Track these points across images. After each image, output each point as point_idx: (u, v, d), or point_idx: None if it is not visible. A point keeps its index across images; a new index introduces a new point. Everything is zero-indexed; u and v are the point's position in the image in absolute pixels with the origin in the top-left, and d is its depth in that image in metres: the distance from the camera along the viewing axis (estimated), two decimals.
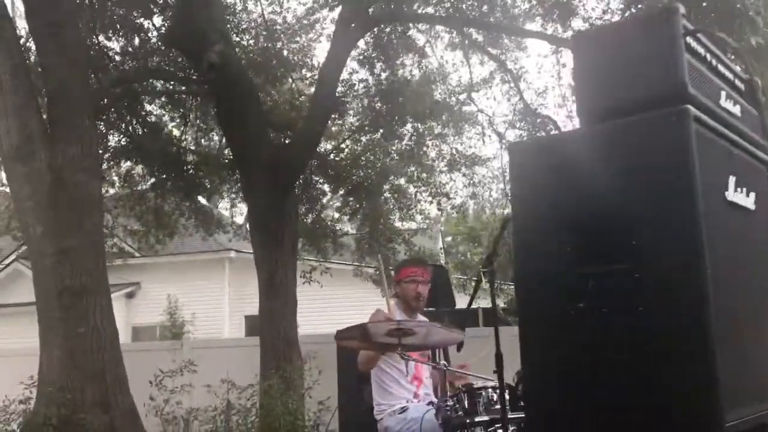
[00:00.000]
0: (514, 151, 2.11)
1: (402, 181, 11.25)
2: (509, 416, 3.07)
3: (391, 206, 11.15)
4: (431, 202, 11.08)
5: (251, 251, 14.44)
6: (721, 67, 2.03)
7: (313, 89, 11.31)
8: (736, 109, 2.06)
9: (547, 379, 1.92)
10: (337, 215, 11.66)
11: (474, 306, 10.98)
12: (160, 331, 14.40)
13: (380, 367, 4.13)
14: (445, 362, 3.36)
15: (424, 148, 10.92)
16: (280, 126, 9.97)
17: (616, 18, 9.69)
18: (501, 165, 10.77)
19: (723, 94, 2.01)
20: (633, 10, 9.26)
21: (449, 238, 18.82)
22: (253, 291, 14.56)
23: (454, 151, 10.91)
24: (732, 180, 1.91)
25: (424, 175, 11.01)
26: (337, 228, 11.44)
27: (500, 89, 10.49)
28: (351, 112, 10.88)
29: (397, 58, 10.29)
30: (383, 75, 10.41)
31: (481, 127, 10.75)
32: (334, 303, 13.95)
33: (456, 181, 11.15)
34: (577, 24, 10.03)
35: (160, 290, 14.76)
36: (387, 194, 11.10)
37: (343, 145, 11.34)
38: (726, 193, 1.89)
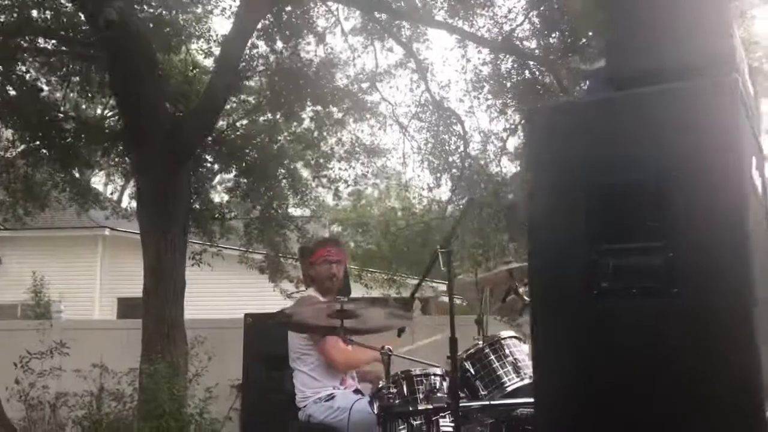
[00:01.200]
0: (534, 117, 1.95)
1: (298, 165, 10.92)
2: (459, 405, 2.93)
3: (285, 191, 10.79)
4: (329, 189, 10.85)
5: (128, 230, 13.62)
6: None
7: (208, 61, 10.77)
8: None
9: (564, 364, 1.77)
10: (226, 197, 11.16)
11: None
12: (22, 310, 13.23)
13: (306, 352, 3.89)
14: (390, 347, 3.15)
15: (324, 133, 10.66)
16: (174, 97, 9.36)
17: (521, 18, 9.99)
18: (402, 155, 10.70)
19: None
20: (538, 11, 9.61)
21: (337, 226, 18.65)
22: (129, 272, 13.71)
23: (353, 139, 10.72)
24: (753, 160, 1.84)
25: (322, 160, 10.75)
26: (226, 211, 10.95)
27: (405, 79, 10.44)
28: (250, 89, 10.41)
29: (301, 37, 9.97)
30: (285, 54, 10.07)
31: (383, 116, 10.63)
32: (220, 288, 13.42)
33: (355, 169, 10.97)
34: (482, 21, 10.21)
35: (23, 266, 13.55)
36: (281, 178, 10.73)
37: (237, 124, 10.86)
38: (751, 172, 1.81)
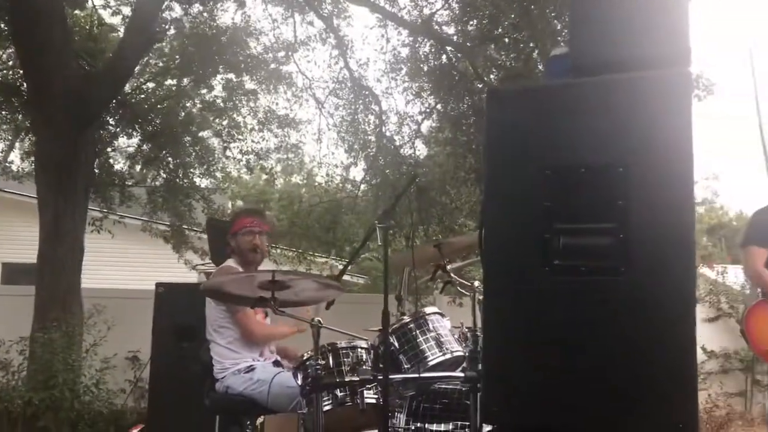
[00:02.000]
0: (494, 96, 1.99)
1: (207, 134, 10.62)
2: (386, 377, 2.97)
3: (192, 160, 10.47)
4: (240, 161, 10.62)
5: (16, 191, 12.81)
6: None
7: (116, 19, 10.27)
8: None
9: (513, 341, 1.84)
10: (128, 163, 10.69)
11: None
12: None
13: (224, 324, 3.83)
14: (320, 319, 3.15)
15: (235, 103, 10.41)
16: (78, 54, 8.85)
17: (441, 2, 10.11)
18: (317, 131, 10.61)
19: None
20: None
21: (246, 199, 18.30)
22: (14, 235, 12.96)
23: (267, 110, 10.53)
24: None
25: (233, 131, 10.51)
26: (128, 176, 10.52)
27: (324, 54, 10.33)
28: (159, 51, 10.00)
29: (219, 2, 9.68)
30: (200, 18, 9.76)
31: (298, 89, 10.49)
32: (121, 259, 12.89)
33: (267, 142, 10.78)
34: (404, 2, 10.26)
35: None
36: (188, 146, 10.40)
37: (144, 87, 10.41)
38: None
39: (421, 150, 10.86)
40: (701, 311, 8.69)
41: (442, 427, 3.61)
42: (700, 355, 8.30)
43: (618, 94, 1.82)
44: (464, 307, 7.29)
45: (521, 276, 1.85)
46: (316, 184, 13.30)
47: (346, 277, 11.44)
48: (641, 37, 1.82)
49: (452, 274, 3.45)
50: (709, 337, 8.75)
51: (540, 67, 9.47)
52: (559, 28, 9.07)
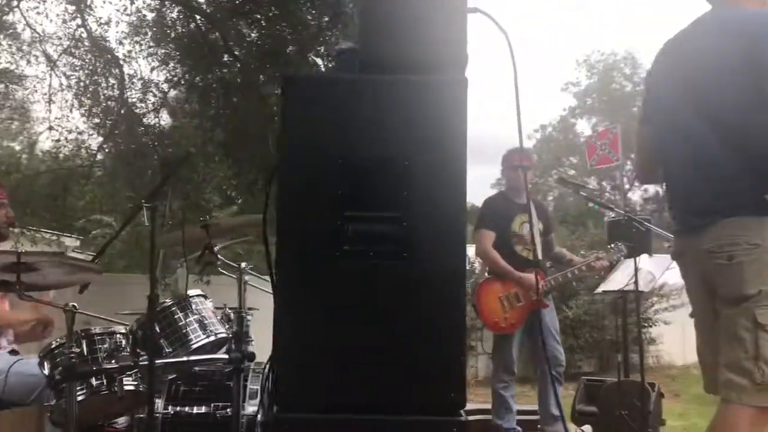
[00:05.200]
0: (289, 83, 2.00)
1: None
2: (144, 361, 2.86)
3: None
4: None
5: None
6: None
7: None
8: None
9: (305, 323, 1.90)
10: None
11: None
12: None
13: None
14: (74, 304, 2.91)
15: None
16: None
17: None
18: (48, 92, 9.56)
19: None
20: None
21: None
22: None
23: None
24: None
25: None
26: None
27: (58, 8, 9.29)
28: None
29: None
30: None
31: (24, 43, 9.36)
32: None
33: None
34: None
35: None
36: None
37: None
38: None
39: (167, 120, 10.39)
40: None
41: (203, 409, 3.58)
42: None
43: (405, 93, 1.96)
44: (211, 285, 7.18)
45: (313, 260, 1.92)
46: (40, 152, 12.00)
47: (81, 257, 10.54)
48: (425, 44, 1.98)
49: (219, 256, 3.40)
50: None
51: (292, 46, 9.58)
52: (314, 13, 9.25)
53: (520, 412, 4.86)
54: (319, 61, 9.79)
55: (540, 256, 4.72)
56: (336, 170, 1.93)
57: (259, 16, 9.80)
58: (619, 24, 51.42)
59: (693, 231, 2.37)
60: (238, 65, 9.62)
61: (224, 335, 3.50)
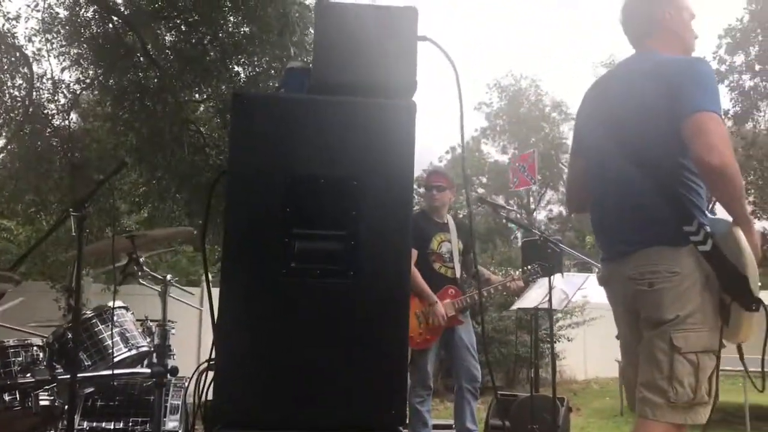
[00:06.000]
0: (239, 101, 1.99)
1: None
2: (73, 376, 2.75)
3: None
4: None
5: None
6: None
7: None
8: None
9: (249, 340, 1.89)
10: None
11: None
12: None
13: None
14: None
15: None
16: None
17: None
18: None
19: None
20: None
21: None
22: None
23: None
24: None
25: None
26: None
27: None
28: None
29: None
30: None
31: None
32: None
33: None
34: None
35: None
36: None
37: None
38: None
39: (78, 123, 9.97)
40: None
41: (121, 424, 3.48)
42: None
43: (355, 115, 2.00)
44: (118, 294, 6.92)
45: (259, 277, 1.92)
46: None
47: None
48: (376, 68, 2.02)
49: (145, 268, 3.32)
50: None
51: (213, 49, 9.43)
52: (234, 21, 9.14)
53: (434, 426, 4.95)
54: (240, 69, 9.69)
55: (458, 274, 4.86)
56: (284, 188, 1.94)
57: (179, 21, 9.61)
58: (529, 50, 53.52)
59: (618, 259, 2.53)
60: (156, 69, 9.38)
61: (146, 349, 3.41)
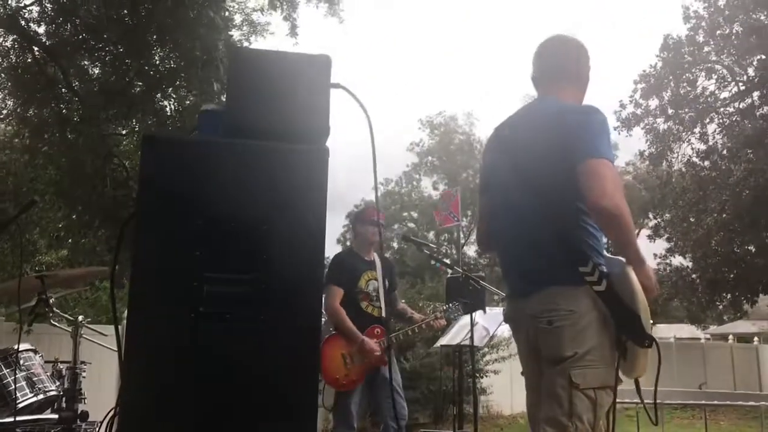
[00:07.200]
0: (149, 142, 1.98)
1: None
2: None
3: None
4: None
5: None
6: None
7: None
8: None
9: (155, 384, 1.86)
10: None
11: None
12: None
13: None
14: None
15: None
16: None
17: None
18: None
19: None
20: None
21: None
22: None
23: None
24: None
25: None
26: None
27: None
28: None
29: None
30: None
31: None
32: None
33: None
34: None
35: None
36: None
37: None
38: None
39: None
40: None
41: None
42: None
43: (267, 159, 2.01)
44: (30, 334, 6.64)
45: (167, 321, 1.89)
46: None
47: None
48: (290, 113, 2.04)
49: (55, 308, 3.21)
50: None
51: (138, 82, 9.30)
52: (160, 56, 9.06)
53: None
54: (166, 103, 9.58)
55: (384, 314, 4.87)
56: (195, 231, 1.93)
57: (104, 53, 9.46)
58: (460, 88, 54.91)
59: (521, 297, 2.62)
60: (77, 101, 9.18)
61: (54, 393, 3.29)
